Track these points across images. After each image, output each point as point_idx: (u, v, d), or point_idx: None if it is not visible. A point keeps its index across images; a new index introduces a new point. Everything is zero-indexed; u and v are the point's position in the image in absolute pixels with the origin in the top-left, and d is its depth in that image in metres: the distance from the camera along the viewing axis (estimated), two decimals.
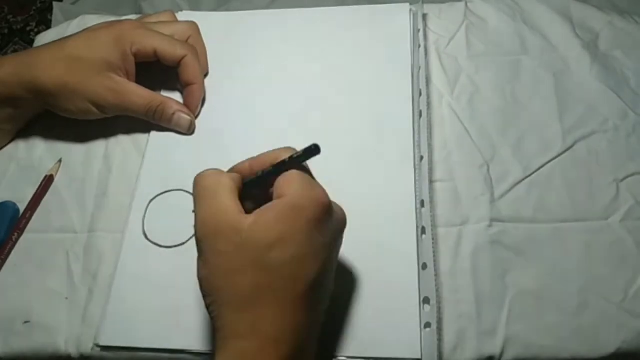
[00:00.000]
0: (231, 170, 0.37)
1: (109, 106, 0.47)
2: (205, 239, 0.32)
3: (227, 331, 0.32)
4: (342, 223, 0.35)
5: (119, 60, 0.46)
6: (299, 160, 0.34)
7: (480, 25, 0.54)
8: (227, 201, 0.33)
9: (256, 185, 0.36)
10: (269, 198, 0.34)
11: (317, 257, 0.32)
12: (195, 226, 0.33)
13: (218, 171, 0.35)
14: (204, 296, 0.33)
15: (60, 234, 0.46)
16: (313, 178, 0.35)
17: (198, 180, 0.35)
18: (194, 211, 0.34)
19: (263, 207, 0.32)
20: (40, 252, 0.45)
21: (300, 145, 0.34)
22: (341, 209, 0.35)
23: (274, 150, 0.36)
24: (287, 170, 0.34)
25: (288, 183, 0.33)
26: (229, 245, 0.31)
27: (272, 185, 0.34)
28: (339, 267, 0.41)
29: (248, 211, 0.33)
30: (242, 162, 0.37)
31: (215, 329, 0.32)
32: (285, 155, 0.35)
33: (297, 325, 0.32)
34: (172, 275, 0.42)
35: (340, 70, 0.52)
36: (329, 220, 0.33)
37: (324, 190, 0.33)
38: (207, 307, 0.33)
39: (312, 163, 0.35)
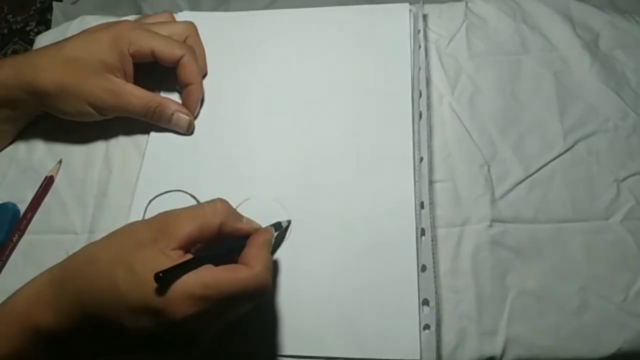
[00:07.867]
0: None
1: (107, 107, 0.47)
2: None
3: None
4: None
5: (116, 62, 0.46)
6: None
7: (480, 25, 0.54)
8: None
9: None
10: None
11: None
12: None
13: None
14: None
15: (61, 235, 0.46)
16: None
17: None
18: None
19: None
20: (41, 253, 0.45)
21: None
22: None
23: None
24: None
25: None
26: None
27: None
28: (339, 268, 0.41)
29: None
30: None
31: None
32: None
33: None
34: None
35: (340, 71, 0.51)
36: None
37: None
38: None
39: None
